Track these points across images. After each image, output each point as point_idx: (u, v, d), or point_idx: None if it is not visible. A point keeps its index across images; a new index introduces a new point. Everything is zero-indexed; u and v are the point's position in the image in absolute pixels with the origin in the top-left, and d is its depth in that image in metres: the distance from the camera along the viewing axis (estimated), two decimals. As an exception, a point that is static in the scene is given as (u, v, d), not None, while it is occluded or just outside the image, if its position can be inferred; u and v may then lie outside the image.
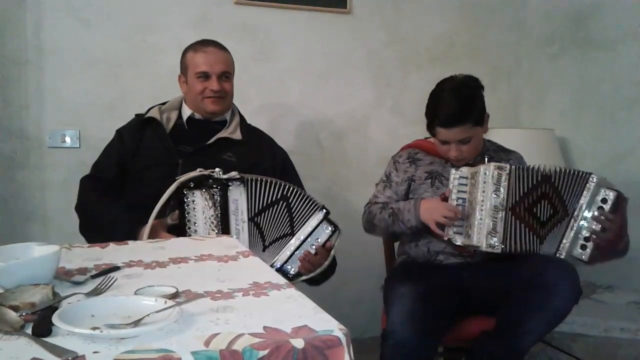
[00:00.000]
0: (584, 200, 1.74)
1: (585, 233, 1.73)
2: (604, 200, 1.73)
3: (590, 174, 1.75)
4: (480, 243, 1.69)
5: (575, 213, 1.74)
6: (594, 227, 1.72)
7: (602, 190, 1.73)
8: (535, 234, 1.72)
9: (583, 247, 1.74)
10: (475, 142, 1.83)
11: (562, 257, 1.73)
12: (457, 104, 1.75)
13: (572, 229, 1.74)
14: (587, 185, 1.74)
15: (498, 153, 1.95)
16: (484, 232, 1.69)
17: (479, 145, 1.87)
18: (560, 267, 1.66)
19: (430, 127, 1.83)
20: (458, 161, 1.84)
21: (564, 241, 1.74)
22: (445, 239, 1.76)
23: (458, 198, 1.76)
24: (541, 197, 1.73)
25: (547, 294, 1.59)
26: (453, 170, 1.79)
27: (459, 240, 1.75)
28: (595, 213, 1.72)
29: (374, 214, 1.89)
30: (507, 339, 1.61)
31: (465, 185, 1.76)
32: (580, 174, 1.75)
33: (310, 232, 1.74)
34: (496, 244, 1.69)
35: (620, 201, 1.73)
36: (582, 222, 1.73)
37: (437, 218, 1.73)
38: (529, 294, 1.62)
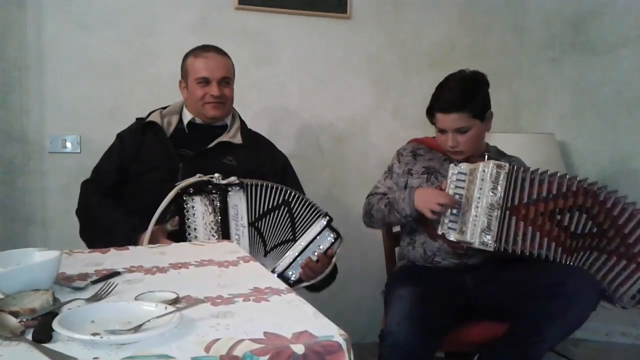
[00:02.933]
0: None
1: None
2: None
3: None
4: (473, 240, 1.68)
5: None
6: None
7: None
8: (553, 240, 1.68)
9: (634, 297, 1.67)
10: (473, 136, 1.82)
11: (617, 298, 1.67)
12: (458, 91, 1.80)
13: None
14: None
15: (499, 157, 1.95)
16: (478, 229, 1.68)
17: (476, 140, 1.86)
18: (581, 275, 1.65)
19: (430, 114, 1.85)
20: (454, 154, 1.84)
21: (623, 288, 1.67)
22: (440, 233, 1.75)
23: (455, 194, 1.75)
24: (575, 209, 1.69)
25: (568, 302, 1.58)
26: (452, 166, 1.78)
27: (452, 236, 1.73)
28: None
29: (372, 205, 1.91)
30: (521, 347, 1.60)
31: (463, 181, 1.75)
32: None
33: (313, 239, 1.74)
34: (489, 242, 1.67)
35: None
36: None
37: (432, 206, 1.72)
38: (548, 302, 1.60)
